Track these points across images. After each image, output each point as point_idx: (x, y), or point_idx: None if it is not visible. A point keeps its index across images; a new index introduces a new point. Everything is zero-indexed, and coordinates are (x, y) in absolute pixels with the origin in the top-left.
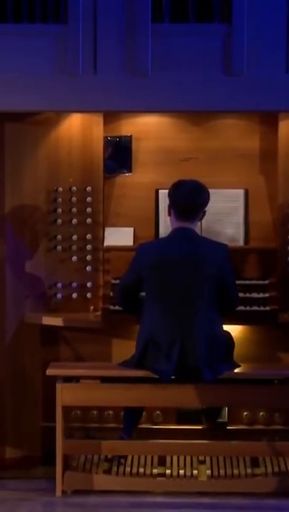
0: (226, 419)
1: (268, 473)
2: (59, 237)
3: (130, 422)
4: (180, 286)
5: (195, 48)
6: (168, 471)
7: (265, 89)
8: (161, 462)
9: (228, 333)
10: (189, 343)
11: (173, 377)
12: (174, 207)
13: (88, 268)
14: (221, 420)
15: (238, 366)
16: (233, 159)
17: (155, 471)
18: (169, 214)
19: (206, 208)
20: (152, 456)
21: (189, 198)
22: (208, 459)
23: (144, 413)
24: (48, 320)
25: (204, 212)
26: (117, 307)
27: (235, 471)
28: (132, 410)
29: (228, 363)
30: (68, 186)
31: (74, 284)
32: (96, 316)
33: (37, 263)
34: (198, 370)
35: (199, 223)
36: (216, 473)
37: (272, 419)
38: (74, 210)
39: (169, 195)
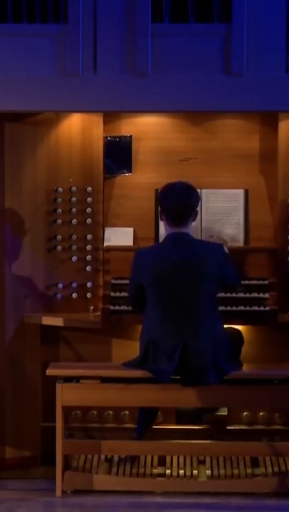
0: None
1: (268, 473)
2: (59, 237)
3: (144, 422)
4: (180, 289)
5: (195, 48)
6: (168, 471)
7: (265, 90)
8: (161, 462)
9: (237, 331)
10: (192, 346)
11: (178, 377)
12: (165, 212)
13: (88, 268)
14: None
15: (242, 365)
16: (233, 159)
17: (155, 471)
18: (161, 219)
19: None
20: (152, 456)
21: (179, 202)
22: (208, 459)
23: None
24: (48, 320)
25: (196, 213)
26: (116, 307)
27: (235, 471)
28: (146, 410)
29: (232, 363)
30: (68, 186)
31: (74, 284)
32: (96, 316)
33: (37, 263)
34: (202, 372)
35: (198, 223)
36: (216, 473)
37: (272, 419)
38: (74, 210)
39: (159, 201)
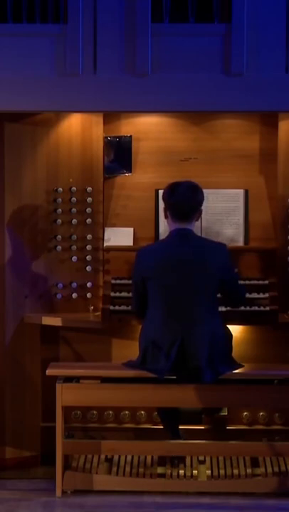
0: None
1: (268, 473)
2: (59, 237)
3: (168, 421)
4: (180, 287)
5: (195, 48)
6: (168, 471)
7: (265, 89)
8: (161, 462)
9: (228, 332)
10: (189, 344)
11: (174, 377)
12: (170, 209)
13: (88, 268)
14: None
15: (241, 366)
16: (233, 159)
17: (155, 471)
18: (166, 216)
19: (204, 208)
20: (152, 456)
21: (184, 200)
22: (208, 458)
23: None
24: (48, 320)
25: (200, 212)
26: (116, 307)
27: (235, 471)
28: (164, 411)
29: (229, 363)
30: (68, 186)
31: (74, 284)
32: (96, 316)
33: (37, 263)
34: (198, 370)
35: (198, 223)
36: (216, 473)
37: (272, 419)
38: (74, 210)
39: (164, 198)
